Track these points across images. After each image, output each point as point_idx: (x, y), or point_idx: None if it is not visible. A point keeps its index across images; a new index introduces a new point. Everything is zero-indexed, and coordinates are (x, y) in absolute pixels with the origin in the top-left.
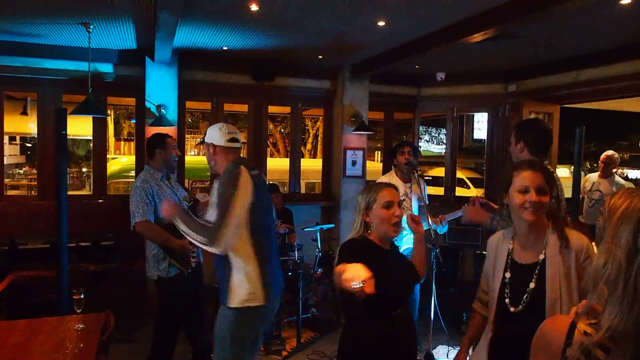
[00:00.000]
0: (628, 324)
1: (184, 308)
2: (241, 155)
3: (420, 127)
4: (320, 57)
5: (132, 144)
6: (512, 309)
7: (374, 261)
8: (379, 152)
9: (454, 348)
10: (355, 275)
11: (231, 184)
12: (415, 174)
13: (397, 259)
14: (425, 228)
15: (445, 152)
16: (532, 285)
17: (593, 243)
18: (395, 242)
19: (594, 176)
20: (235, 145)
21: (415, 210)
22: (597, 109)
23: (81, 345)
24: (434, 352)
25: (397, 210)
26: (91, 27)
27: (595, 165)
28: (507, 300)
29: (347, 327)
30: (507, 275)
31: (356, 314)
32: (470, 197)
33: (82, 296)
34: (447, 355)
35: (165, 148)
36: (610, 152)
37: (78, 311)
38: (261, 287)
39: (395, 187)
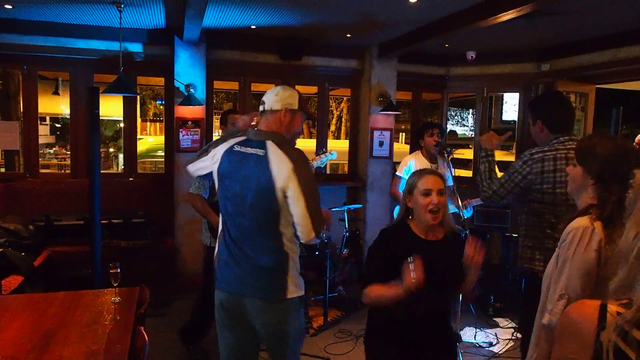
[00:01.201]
0: None
1: None
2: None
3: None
4: (348, 35)
5: (158, 124)
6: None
7: (405, 251)
8: (403, 133)
9: (481, 330)
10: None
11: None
12: (445, 155)
13: (440, 254)
14: (452, 211)
15: (473, 134)
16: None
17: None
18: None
19: None
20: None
21: None
22: (629, 90)
23: (118, 317)
24: (462, 333)
25: (434, 199)
26: (122, 6)
27: None
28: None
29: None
30: None
31: None
32: None
33: (119, 270)
34: (475, 337)
35: (226, 124)
36: None
37: (115, 285)
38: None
39: (440, 176)
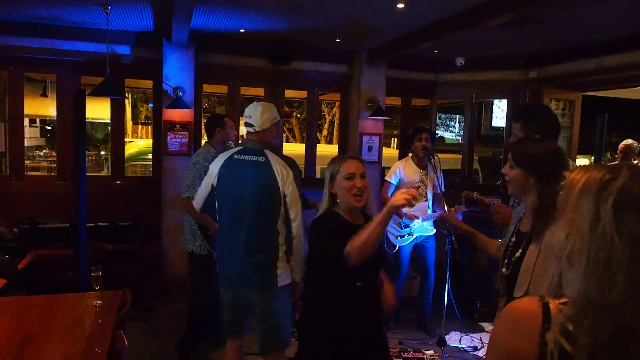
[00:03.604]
0: (594, 294)
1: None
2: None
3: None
4: (337, 40)
5: (150, 127)
6: (503, 270)
7: (341, 235)
8: (395, 138)
9: (467, 334)
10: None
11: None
12: (432, 160)
13: None
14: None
15: (462, 140)
16: (517, 254)
17: None
18: (404, 229)
19: None
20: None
21: (429, 197)
22: (619, 98)
23: (99, 321)
24: (447, 337)
25: (358, 182)
26: (109, 8)
27: (617, 156)
28: (505, 261)
29: (308, 299)
30: (513, 239)
31: (320, 284)
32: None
33: (100, 273)
34: (460, 341)
35: (224, 127)
36: (629, 141)
37: (96, 288)
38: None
39: (361, 160)
